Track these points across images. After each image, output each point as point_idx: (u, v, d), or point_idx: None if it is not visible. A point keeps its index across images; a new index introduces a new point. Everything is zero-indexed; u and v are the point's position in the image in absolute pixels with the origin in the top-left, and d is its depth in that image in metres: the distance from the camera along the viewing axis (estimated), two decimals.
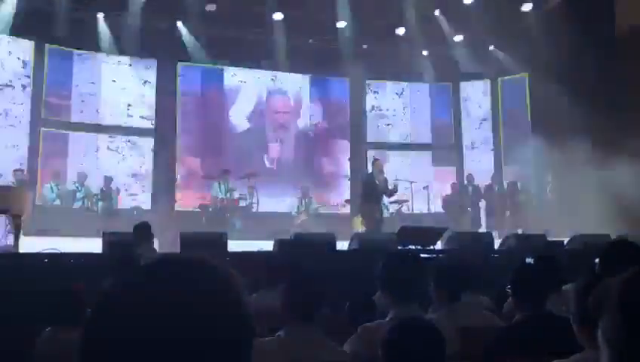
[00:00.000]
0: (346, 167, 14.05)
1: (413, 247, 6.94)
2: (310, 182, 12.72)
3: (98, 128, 12.28)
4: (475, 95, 14.32)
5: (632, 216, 8.76)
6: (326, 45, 13.16)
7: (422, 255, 6.25)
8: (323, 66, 13.59)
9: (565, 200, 10.85)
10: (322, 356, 2.31)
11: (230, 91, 13.54)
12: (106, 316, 0.74)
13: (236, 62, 13.30)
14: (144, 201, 12.18)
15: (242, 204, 11.65)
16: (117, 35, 11.96)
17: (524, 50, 12.11)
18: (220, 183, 11.40)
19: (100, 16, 11.84)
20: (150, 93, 12.77)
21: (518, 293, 2.69)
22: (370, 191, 9.11)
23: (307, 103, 14.08)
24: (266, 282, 3.78)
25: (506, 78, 13.85)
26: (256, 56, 13.07)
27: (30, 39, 11.60)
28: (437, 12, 12.90)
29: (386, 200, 9.79)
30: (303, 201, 12.17)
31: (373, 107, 14.40)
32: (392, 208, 11.44)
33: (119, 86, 12.53)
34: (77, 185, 11.27)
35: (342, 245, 7.21)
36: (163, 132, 12.73)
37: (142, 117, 12.67)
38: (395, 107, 14.45)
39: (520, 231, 10.58)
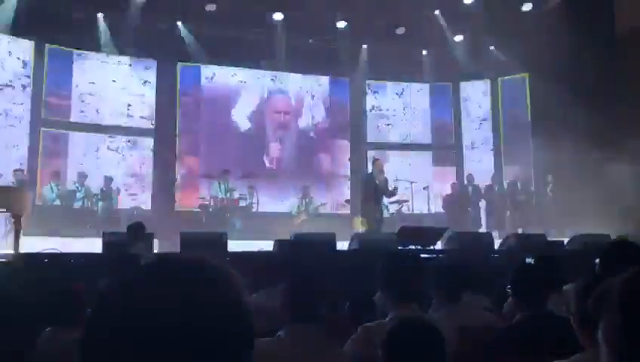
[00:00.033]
0: (346, 167, 14.05)
1: (413, 247, 6.94)
2: (310, 182, 12.73)
3: (98, 128, 12.28)
4: (475, 95, 14.32)
5: (632, 216, 8.76)
6: (326, 45, 13.16)
7: (422, 255, 6.26)
8: (323, 66, 13.59)
9: (565, 200, 10.85)
10: (322, 356, 2.31)
11: (230, 91, 13.54)
12: (106, 316, 0.74)
13: (236, 62, 13.30)
14: (144, 201, 12.18)
15: (242, 203, 11.65)
16: (117, 35, 11.96)
17: (524, 50, 12.10)
18: (220, 183, 11.41)
19: (100, 16, 11.84)
20: (150, 93, 12.77)
21: (518, 293, 2.69)
22: (370, 191, 9.11)
23: (307, 103, 14.07)
24: (266, 282, 3.78)
25: (506, 78, 13.85)
26: (256, 56, 13.07)
27: (30, 39, 11.60)
28: (437, 12, 12.91)
29: (386, 200, 9.79)
30: (304, 201, 12.17)
31: (373, 107, 14.40)
32: (392, 208, 11.44)
33: (119, 86, 12.53)
34: (77, 185, 11.28)
35: (342, 245, 7.21)
36: (163, 132, 12.73)
37: (142, 117, 12.68)
38: (395, 107, 14.45)
39: (520, 231, 10.59)
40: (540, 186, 12.49)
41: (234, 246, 7.01)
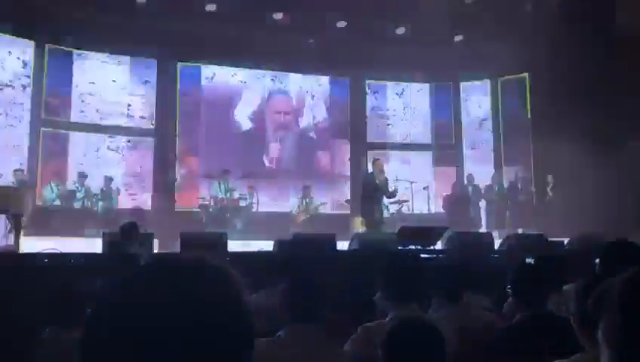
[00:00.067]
0: (346, 167, 14.05)
1: (414, 247, 6.94)
2: (310, 182, 12.73)
3: (98, 128, 12.28)
4: (475, 95, 14.32)
5: (632, 216, 8.76)
6: (326, 45, 13.16)
7: (422, 255, 6.25)
8: (323, 66, 13.59)
9: (565, 200, 10.85)
10: (322, 356, 2.31)
11: (230, 91, 13.54)
12: (106, 316, 0.74)
13: (236, 63, 13.30)
14: (144, 201, 12.18)
15: (242, 203, 11.65)
16: (117, 35, 11.95)
17: (524, 50, 12.10)
18: (220, 183, 11.40)
19: (100, 16, 11.83)
20: (150, 93, 12.77)
21: (518, 293, 2.69)
22: (370, 191, 9.10)
23: (307, 103, 14.08)
24: (266, 282, 3.78)
25: (506, 78, 13.85)
26: (256, 56, 13.07)
27: (30, 39, 11.60)
28: (437, 12, 12.89)
29: (386, 200, 9.78)
30: (304, 201, 12.17)
31: (373, 107, 14.40)
32: (392, 208, 11.43)
33: (119, 86, 12.53)
34: (77, 185, 11.27)
35: (342, 245, 7.21)
36: (163, 132, 12.73)
37: (142, 117, 12.68)
38: (395, 107, 14.46)
39: (520, 231, 10.58)
40: (540, 186, 12.49)
41: (234, 246, 7.01)
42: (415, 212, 11.83)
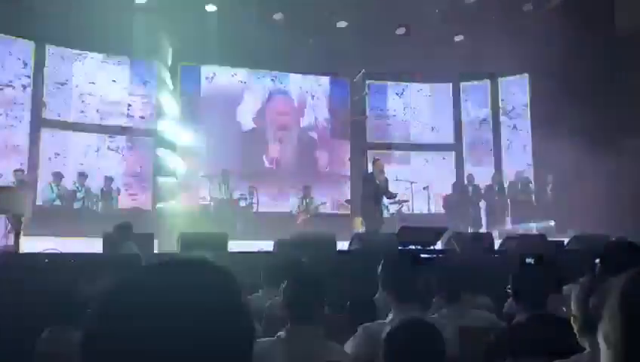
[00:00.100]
0: (346, 167, 14.05)
1: (414, 247, 6.93)
2: (311, 182, 12.73)
3: (98, 128, 12.28)
4: (475, 95, 14.32)
5: (632, 216, 8.76)
6: (326, 45, 13.15)
7: (422, 255, 6.24)
8: (323, 66, 13.59)
9: (565, 200, 10.85)
10: (322, 356, 2.31)
11: (230, 91, 13.54)
12: (106, 316, 0.74)
13: (236, 63, 13.30)
14: (144, 201, 12.18)
15: (242, 203, 11.65)
16: (117, 35, 11.94)
17: (524, 50, 12.10)
18: (220, 183, 11.40)
19: (100, 16, 11.82)
20: (150, 93, 12.77)
21: (518, 293, 2.69)
22: (370, 191, 9.10)
23: (307, 103, 14.08)
24: (266, 282, 3.78)
25: (506, 78, 13.85)
26: (256, 56, 13.07)
27: (30, 39, 11.60)
28: (437, 12, 12.90)
29: (386, 200, 9.79)
30: (304, 201, 12.17)
31: (373, 107, 14.40)
32: (393, 208, 11.44)
33: (119, 86, 12.53)
34: (77, 185, 11.27)
35: (342, 245, 7.20)
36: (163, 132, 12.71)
37: (142, 117, 12.68)
38: (395, 107, 14.46)
39: (520, 231, 10.58)
40: (540, 186, 12.50)
41: (234, 246, 7.00)
42: (415, 212, 11.84)
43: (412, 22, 12.95)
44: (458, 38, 13.28)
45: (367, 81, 14.29)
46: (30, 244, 7.06)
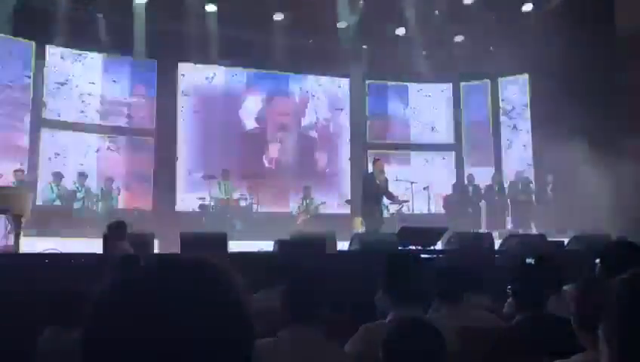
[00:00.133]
0: (347, 167, 14.05)
1: (414, 247, 6.94)
2: (311, 182, 12.73)
3: (98, 128, 12.28)
4: (475, 95, 14.32)
5: (632, 216, 8.75)
6: (326, 45, 13.15)
7: (422, 255, 6.25)
8: (323, 66, 13.59)
9: (565, 200, 10.85)
10: (322, 357, 2.31)
11: (230, 92, 13.54)
12: (106, 316, 0.74)
13: (237, 63, 13.30)
14: (144, 201, 12.18)
15: (242, 204, 11.65)
16: (117, 35, 11.95)
17: (524, 50, 12.10)
18: (220, 183, 11.40)
19: (100, 16, 11.84)
20: (150, 94, 12.77)
21: (518, 293, 2.69)
22: (370, 191, 9.10)
23: (307, 103, 14.08)
24: (266, 282, 3.78)
25: (506, 78, 13.84)
26: (256, 56, 13.07)
27: (30, 39, 11.60)
28: (437, 12, 12.90)
29: (386, 200, 9.79)
30: (304, 201, 12.17)
31: (373, 107, 14.40)
32: (392, 208, 11.43)
33: (119, 86, 12.53)
34: (77, 185, 11.27)
35: (342, 245, 7.21)
36: (163, 132, 12.72)
37: (142, 117, 12.68)
38: (395, 107, 14.46)
39: (520, 231, 10.58)
40: (540, 186, 12.49)
41: (234, 246, 7.00)
42: (415, 212, 11.82)
43: (412, 22, 12.94)
44: (458, 38, 13.29)
45: (367, 81, 14.29)
46: (30, 244, 7.07)
